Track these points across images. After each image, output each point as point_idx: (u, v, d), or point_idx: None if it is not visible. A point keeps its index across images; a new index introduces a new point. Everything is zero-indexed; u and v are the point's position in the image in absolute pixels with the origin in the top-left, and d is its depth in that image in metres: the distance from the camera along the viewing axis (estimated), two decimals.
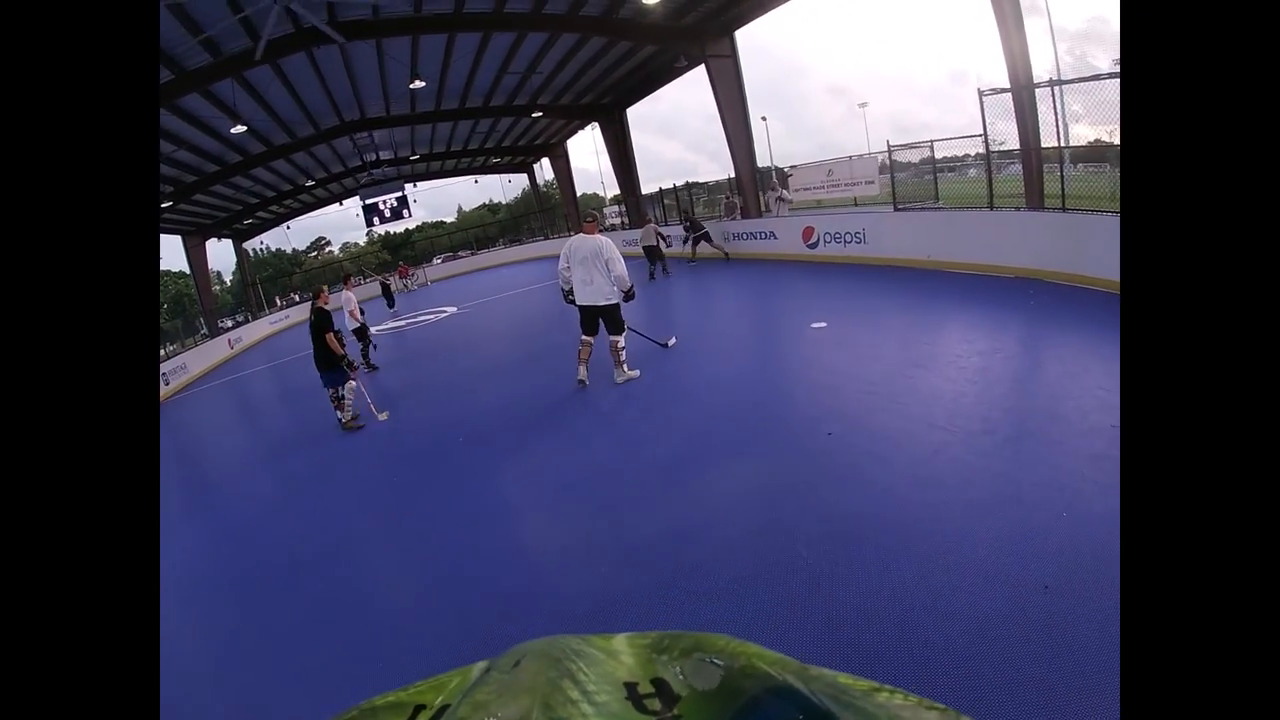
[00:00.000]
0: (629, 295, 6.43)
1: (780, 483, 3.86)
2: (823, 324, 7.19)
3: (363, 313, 10.75)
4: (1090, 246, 7.10)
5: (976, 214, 9.37)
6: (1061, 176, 8.15)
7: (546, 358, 8.83)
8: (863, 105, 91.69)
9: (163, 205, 19.92)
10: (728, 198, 17.82)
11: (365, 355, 10.78)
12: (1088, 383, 4.45)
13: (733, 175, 16.71)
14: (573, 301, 6.49)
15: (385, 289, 21.95)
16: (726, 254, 15.28)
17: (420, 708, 0.54)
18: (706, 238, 15.44)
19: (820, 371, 5.71)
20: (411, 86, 16.12)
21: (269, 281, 40.56)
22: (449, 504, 4.69)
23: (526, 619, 3.10)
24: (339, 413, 7.42)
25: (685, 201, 19.05)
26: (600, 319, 6.38)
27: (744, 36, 15.50)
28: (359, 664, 3.07)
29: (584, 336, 6.55)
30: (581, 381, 6.59)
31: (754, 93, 16.04)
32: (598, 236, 6.30)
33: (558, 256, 6.65)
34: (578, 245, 6.29)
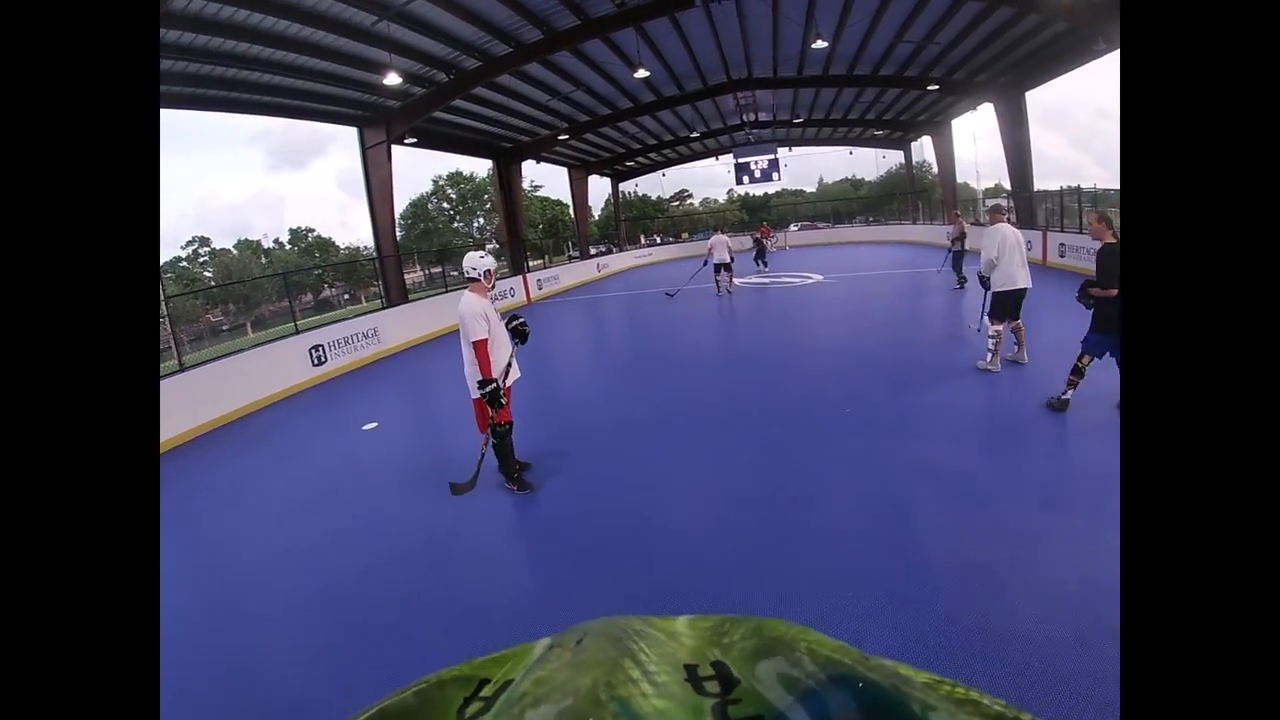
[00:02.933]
0: None
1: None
2: None
3: (732, 258, 15.89)
4: None
5: None
6: None
7: (926, 334, 9.24)
8: None
9: (559, 137, 23.00)
10: None
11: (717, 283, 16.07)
12: None
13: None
14: (988, 287, 6.80)
15: (758, 243, 22.69)
16: None
17: (484, 681, 0.58)
18: None
19: None
20: (814, 46, 15.89)
21: (631, 222, 45.39)
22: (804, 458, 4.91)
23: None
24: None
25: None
26: (1020, 301, 6.64)
27: None
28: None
29: (1010, 323, 6.71)
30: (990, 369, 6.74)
31: None
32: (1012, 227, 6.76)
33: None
34: (1007, 232, 6.56)
